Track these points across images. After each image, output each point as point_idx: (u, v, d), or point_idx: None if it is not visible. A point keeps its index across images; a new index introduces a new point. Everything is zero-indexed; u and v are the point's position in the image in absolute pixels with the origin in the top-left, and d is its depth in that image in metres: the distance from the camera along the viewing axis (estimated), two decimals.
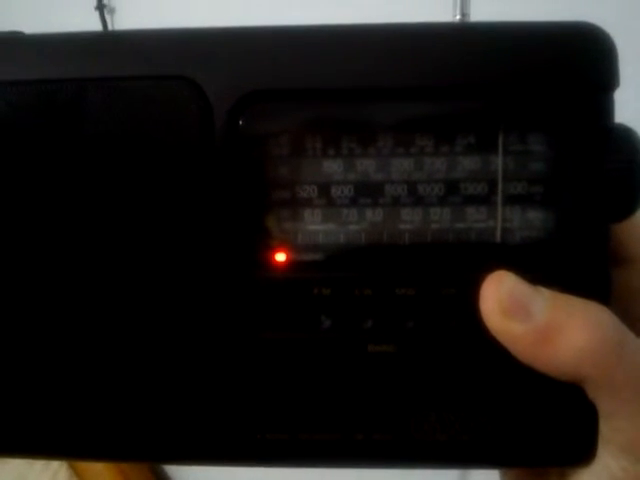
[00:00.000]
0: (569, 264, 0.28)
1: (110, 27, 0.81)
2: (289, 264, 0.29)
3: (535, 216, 0.29)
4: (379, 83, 0.28)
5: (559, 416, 0.28)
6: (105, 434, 0.29)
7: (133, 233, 0.28)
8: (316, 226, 0.29)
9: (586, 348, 0.26)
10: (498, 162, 0.29)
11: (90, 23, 0.85)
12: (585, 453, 0.28)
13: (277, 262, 0.29)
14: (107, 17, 0.88)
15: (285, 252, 0.29)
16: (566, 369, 0.25)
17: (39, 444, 0.30)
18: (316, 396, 0.29)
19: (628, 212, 0.28)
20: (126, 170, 0.28)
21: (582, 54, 0.28)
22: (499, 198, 0.29)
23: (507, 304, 0.26)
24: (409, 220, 0.29)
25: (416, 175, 0.29)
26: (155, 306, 0.29)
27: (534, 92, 0.28)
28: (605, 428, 0.26)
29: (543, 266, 0.29)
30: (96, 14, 0.87)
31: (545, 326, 0.26)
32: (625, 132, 0.27)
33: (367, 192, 0.29)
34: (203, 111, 0.28)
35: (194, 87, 0.28)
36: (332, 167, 0.29)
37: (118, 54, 0.29)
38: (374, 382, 0.29)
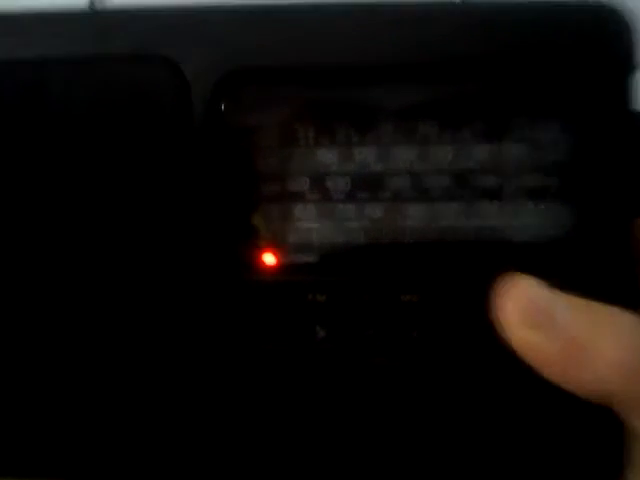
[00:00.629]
0: (591, 266, 0.26)
1: (98, 4, 0.76)
2: (279, 267, 0.27)
3: (552, 212, 0.27)
4: (380, 61, 0.26)
5: (583, 435, 0.26)
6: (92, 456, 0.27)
7: (105, 226, 0.26)
8: (309, 224, 0.27)
9: (617, 361, 0.23)
10: (511, 150, 0.27)
11: None
12: (611, 476, 0.26)
13: (265, 264, 0.27)
14: None
15: (274, 253, 0.27)
16: (596, 386, 0.23)
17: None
18: (310, 414, 0.27)
19: None
20: (94, 160, 0.26)
21: (602, 32, 0.26)
22: (513, 191, 0.27)
23: (528, 312, 0.23)
24: (413, 216, 0.27)
25: (420, 166, 0.27)
26: (129, 309, 0.27)
27: (550, 73, 0.26)
28: (635, 450, 0.24)
29: (561, 268, 0.26)
30: None
31: (573, 337, 0.23)
32: None
33: (366, 185, 0.27)
34: (181, 93, 0.26)
35: (170, 66, 0.26)
36: (327, 157, 0.27)
37: (87, 32, 0.27)
38: (376, 398, 0.27)
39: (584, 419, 0.26)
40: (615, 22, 0.26)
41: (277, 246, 0.27)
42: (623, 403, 0.24)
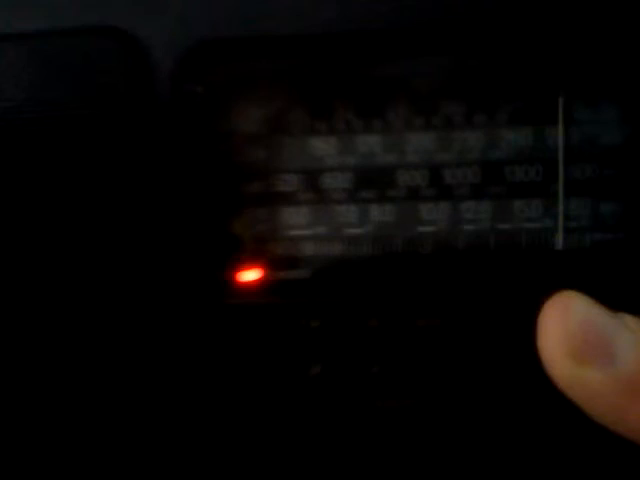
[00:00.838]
0: None
1: None
2: (264, 285, 0.25)
3: (611, 210, 0.24)
4: (384, 25, 0.23)
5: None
6: None
7: (59, 228, 0.24)
8: (301, 231, 0.25)
9: None
10: (558, 135, 0.24)
11: None
12: None
13: (247, 282, 0.25)
14: None
15: (259, 268, 0.25)
16: None
17: None
18: (302, 465, 0.25)
19: None
20: (43, 152, 0.24)
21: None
22: (560, 186, 0.24)
23: (580, 343, 0.21)
24: (432, 220, 0.24)
25: (441, 156, 0.24)
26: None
27: (605, 42, 0.23)
28: None
29: (623, 281, 0.24)
30: None
31: (636, 373, 0.20)
32: None
33: (372, 182, 0.24)
34: (139, 72, 0.24)
35: (128, 41, 0.24)
36: (323, 147, 0.24)
37: (32, 6, 0.25)
38: (383, 449, 0.25)
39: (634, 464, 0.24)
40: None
41: (262, 259, 0.25)
42: None
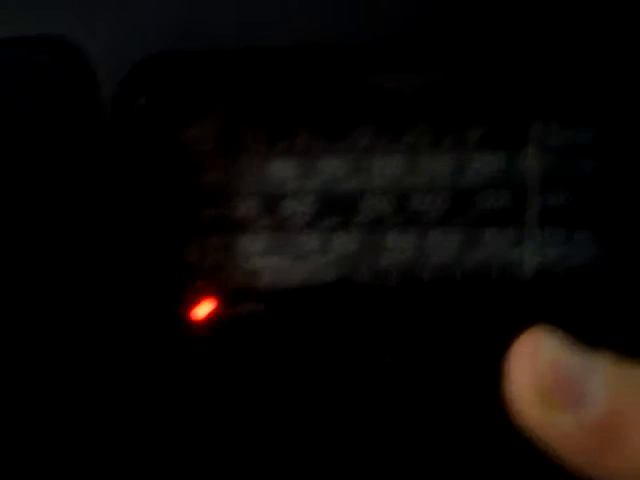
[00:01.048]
0: (635, 307, 0.23)
1: None
2: (219, 318, 0.24)
3: (584, 239, 0.24)
4: (348, 42, 0.22)
5: None
6: None
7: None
8: (258, 260, 0.23)
9: None
10: (530, 161, 0.23)
11: None
12: None
13: (202, 316, 0.24)
14: None
15: (213, 300, 0.24)
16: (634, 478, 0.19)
17: None
18: None
19: None
20: None
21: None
22: (531, 215, 0.23)
23: (549, 385, 0.19)
24: (397, 250, 0.24)
25: (408, 182, 0.23)
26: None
27: (581, 63, 0.22)
28: None
29: (596, 312, 0.24)
30: None
31: (608, 416, 0.19)
32: None
33: (335, 208, 0.23)
34: (84, 86, 0.22)
35: (72, 52, 0.22)
36: (282, 171, 0.23)
37: None
38: None
39: None
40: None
41: (217, 291, 0.24)
42: None
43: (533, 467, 0.22)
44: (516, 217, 0.23)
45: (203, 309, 0.23)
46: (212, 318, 0.23)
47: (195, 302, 0.23)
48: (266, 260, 0.23)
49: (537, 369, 0.19)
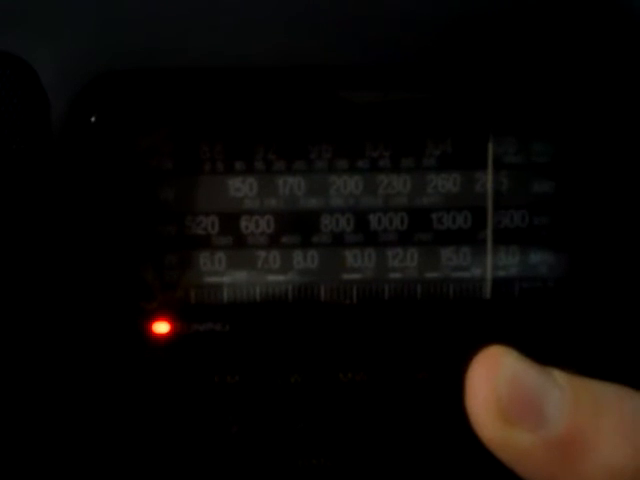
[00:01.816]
0: (591, 327, 0.23)
1: None
2: (177, 337, 0.23)
3: (540, 259, 0.23)
4: (308, 60, 0.22)
5: None
6: None
7: None
8: (217, 278, 0.23)
9: (624, 465, 0.19)
10: (487, 181, 0.23)
11: None
12: None
13: (158, 334, 0.23)
14: None
15: (170, 319, 0.23)
16: None
17: None
18: None
19: None
20: None
21: (604, 22, 0.22)
22: (489, 234, 0.23)
23: (509, 404, 0.19)
24: (357, 268, 0.23)
25: (367, 201, 0.23)
26: None
27: (537, 77, 0.22)
28: None
29: (551, 332, 0.23)
30: None
31: (566, 434, 0.19)
32: None
33: (294, 227, 0.23)
34: (35, 102, 0.21)
35: (22, 68, 0.21)
36: (241, 188, 0.23)
37: None
38: None
39: None
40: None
41: (174, 309, 0.23)
42: None
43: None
44: (472, 237, 0.23)
45: (161, 327, 0.23)
46: (171, 335, 0.23)
47: (153, 320, 0.23)
48: (225, 277, 0.23)
49: (496, 387, 0.19)
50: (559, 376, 0.20)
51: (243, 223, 0.23)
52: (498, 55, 0.22)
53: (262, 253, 0.23)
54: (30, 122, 0.21)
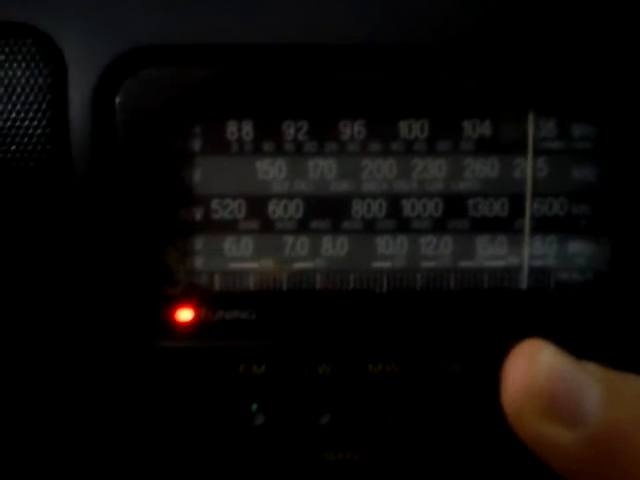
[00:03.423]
0: (628, 322, 0.23)
1: None
2: (200, 325, 0.23)
3: (579, 249, 0.23)
4: (340, 39, 0.21)
5: None
6: None
7: None
8: (244, 264, 0.22)
9: None
10: (526, 167, 0.22)
11: None
12: None
13: (182, 322, 0.22)
14: None
15: (194, 306, 0.22)
16: None
17: None
18: None
19: None
20: None
21: None
22: (527, 222, 0.23)
23: (547, 399, 0.19)
24: (388, 256, 0.23)
25: (400, 186, 0.22)
26: None
27: (579, 60, 0.22)
28: None
29: (588, 325, 0.23)
30: None
31: (606, 429, 0.19)
32: None
33: (324, 212, 0.22)
34: (58, 80, 0.21)
35: (44, 43, 0.21)
36: (269, 171, 0.22)
37: None
38: None
39: None
40: None
41: (198, 296, 0.22)
42: None
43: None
44: (509, 225, 0.23)
45: (184, 314, 0.22)
46: (195, 322, 0.22)
47: (177, 307, 0.22)
48: (251, 263, 0.22)
49: (535, 382, 0.19)
50: (597, 371, 0.19)
51: (271, 207, 0.22)
52: (539, 33, 0.21)
53: (290, 239, 0.22)
54: (49, 99, 0.20)
